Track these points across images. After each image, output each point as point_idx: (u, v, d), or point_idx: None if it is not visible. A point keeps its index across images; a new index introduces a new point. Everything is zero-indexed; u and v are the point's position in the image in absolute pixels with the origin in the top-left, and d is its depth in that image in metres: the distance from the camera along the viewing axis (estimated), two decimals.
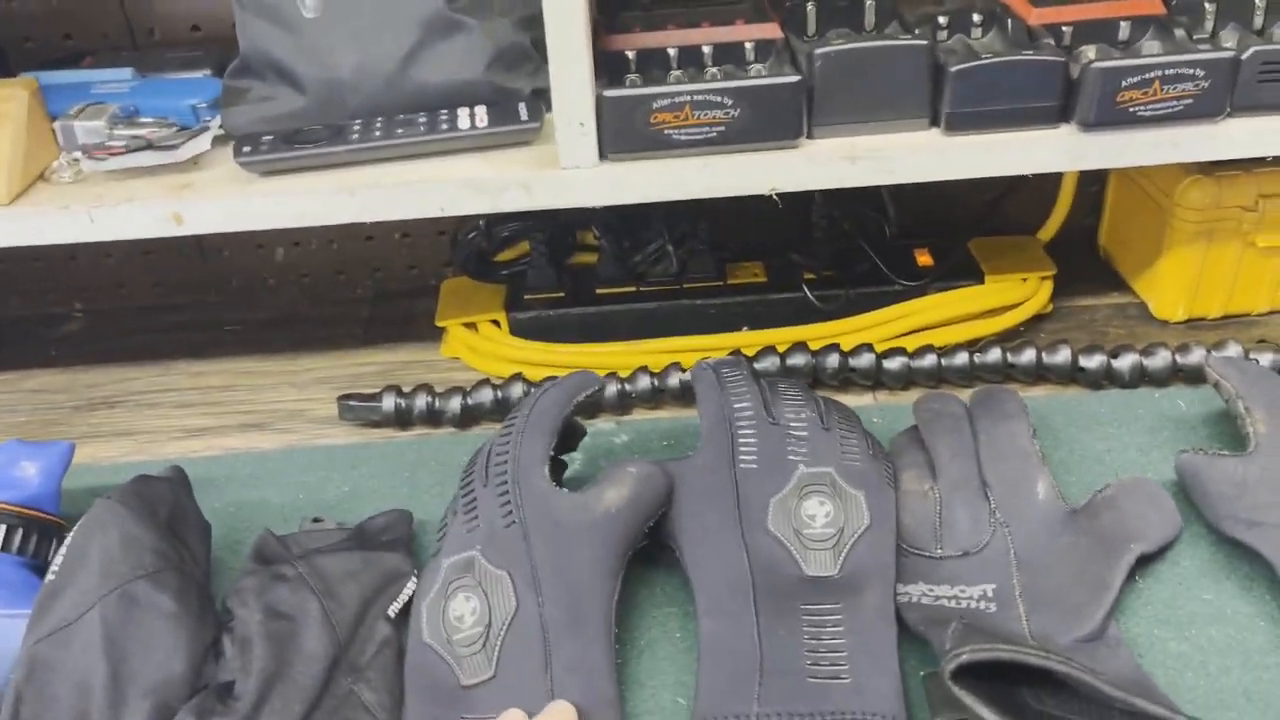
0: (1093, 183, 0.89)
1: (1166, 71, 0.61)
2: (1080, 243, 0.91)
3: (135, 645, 0.55)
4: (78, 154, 0.68)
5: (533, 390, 0.72)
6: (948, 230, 0.88)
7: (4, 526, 0.60)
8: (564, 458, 0.66)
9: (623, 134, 0.63)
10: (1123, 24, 0.67)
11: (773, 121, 0.63)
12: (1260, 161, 0.74)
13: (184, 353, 0.89)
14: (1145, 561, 0.60)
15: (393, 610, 0.59)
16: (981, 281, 0.82)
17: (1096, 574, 0.57)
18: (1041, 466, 0.63)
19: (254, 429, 0.79)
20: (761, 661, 0.52)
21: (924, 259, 0.84)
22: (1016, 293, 0.82)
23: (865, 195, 0.83)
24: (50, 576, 0.57)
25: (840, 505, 0.58)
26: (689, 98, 0.62)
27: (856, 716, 0.49)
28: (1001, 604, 0.57)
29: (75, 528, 0.58)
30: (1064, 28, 0.68)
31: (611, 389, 0.76)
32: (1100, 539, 0.59)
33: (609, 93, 0.62)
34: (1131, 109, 0.62)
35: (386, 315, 0.92)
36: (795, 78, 0.63)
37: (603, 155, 0.65)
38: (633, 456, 0.61)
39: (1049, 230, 0.86)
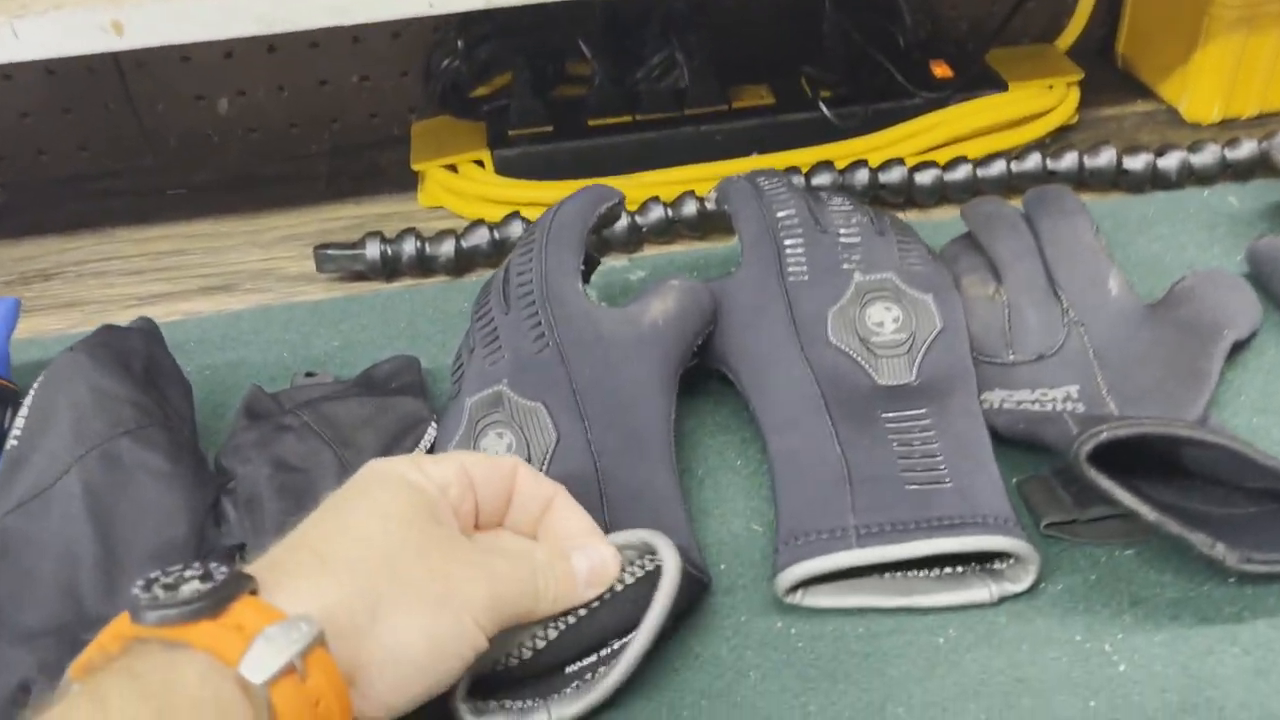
0: None
1: None
2: (1095, 53, 0.86)
3: (126, 508, 0.47)
4: None
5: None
6: (959, 44, 0.82)
7: None
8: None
9: None
10: None
11: None
12: None
13: (124, 220, 0.79)
14: (1231, 352, 0.55)
15: None
16: (1004, 89, 0.76)
17: (1190, 364, 0.53)
18: (1111, 262, 0.58)
19: (219, 291, 0.71)
20: (849, 471, 0.46)
21: (941, 70, 0.77)
22: (1043, 100, 0.76)
23: (877, 5, 0.77)
24: (11, 444, 0.49)
25: (908, 310, 0.52)
26: None
27: (966, 520, 0.44)
28: (1089, 403, 0.52)
29: (35, 386, 0.50)
30: None
31: (620, 223, 0.69)
32: (1188, 329, 0.54)
33: None
34: None
35: (349, 169, 0.83)
36: None
37: None
38: (674, 273, 0.54)
39: (1068, 38, 0.80)
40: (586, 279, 0.59)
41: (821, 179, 0.69)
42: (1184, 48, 0.76)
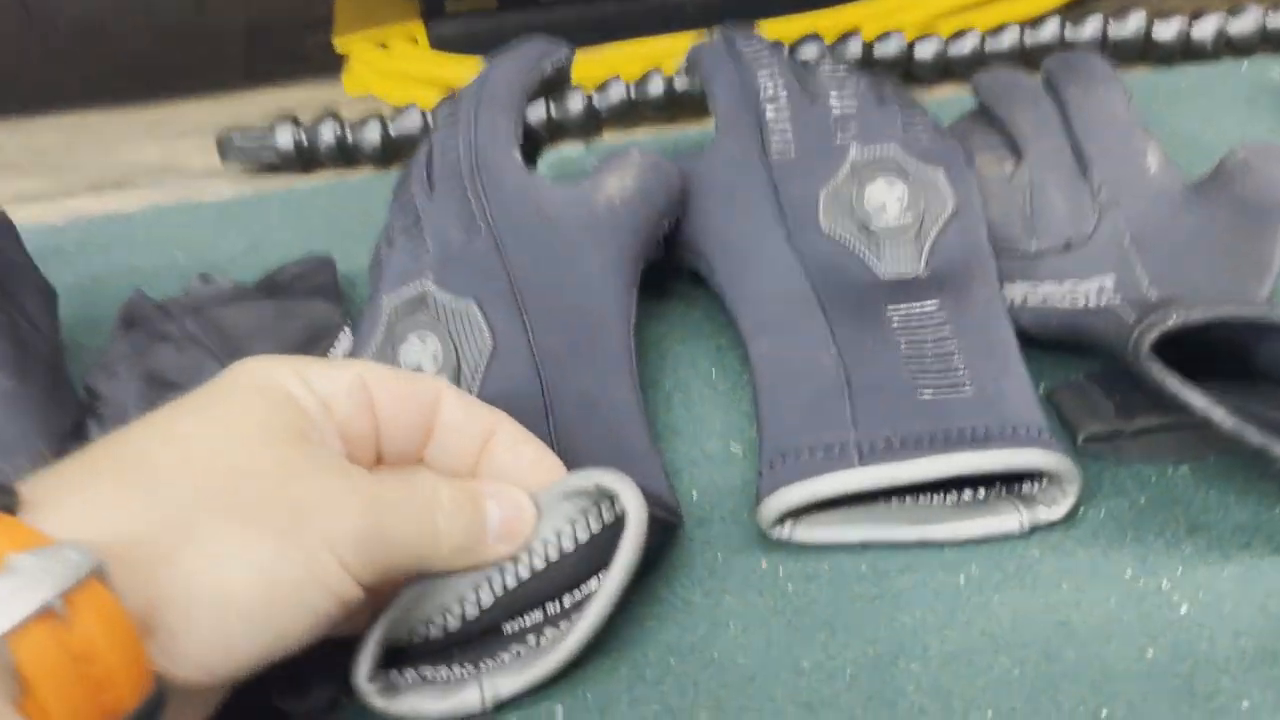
0: None
1: None
2: None
3: None
4: None
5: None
6: None
7: None
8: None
9: None
10: None
11: None
12: None
13: (4, 111, 0.68)
14: None
15: None
16: None
17: (1248, 249, 0.44)
18: (1148, 135, 0.49)
19: (110, 189, 0.61)
20: (848, 378, 0.38)
21: None
22: None
23: None
24: None
25: (915, 187, 0.44)
26: None
27: (991, 432, 0.36)
28: (1128, 297, 0.44)
29: None
30: None
31: (576, 104, 0.59)
32: (1242, 209, 0.46)
33: None
34: None
35: (266, 54, 0.73)
36: None
37: None
38: (632, 147, 0.45)
39: None
40: (530, 160, 0.50)
41: (808, 53, 0.60)
42: None
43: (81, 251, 0.55)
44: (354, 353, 0.42)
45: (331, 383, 0.31)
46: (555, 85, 0.46)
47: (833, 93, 0.47)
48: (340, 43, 0.66)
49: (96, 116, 0.67)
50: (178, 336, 0.42)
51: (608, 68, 0.63)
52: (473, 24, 0.65)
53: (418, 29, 0.65)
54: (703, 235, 0.45)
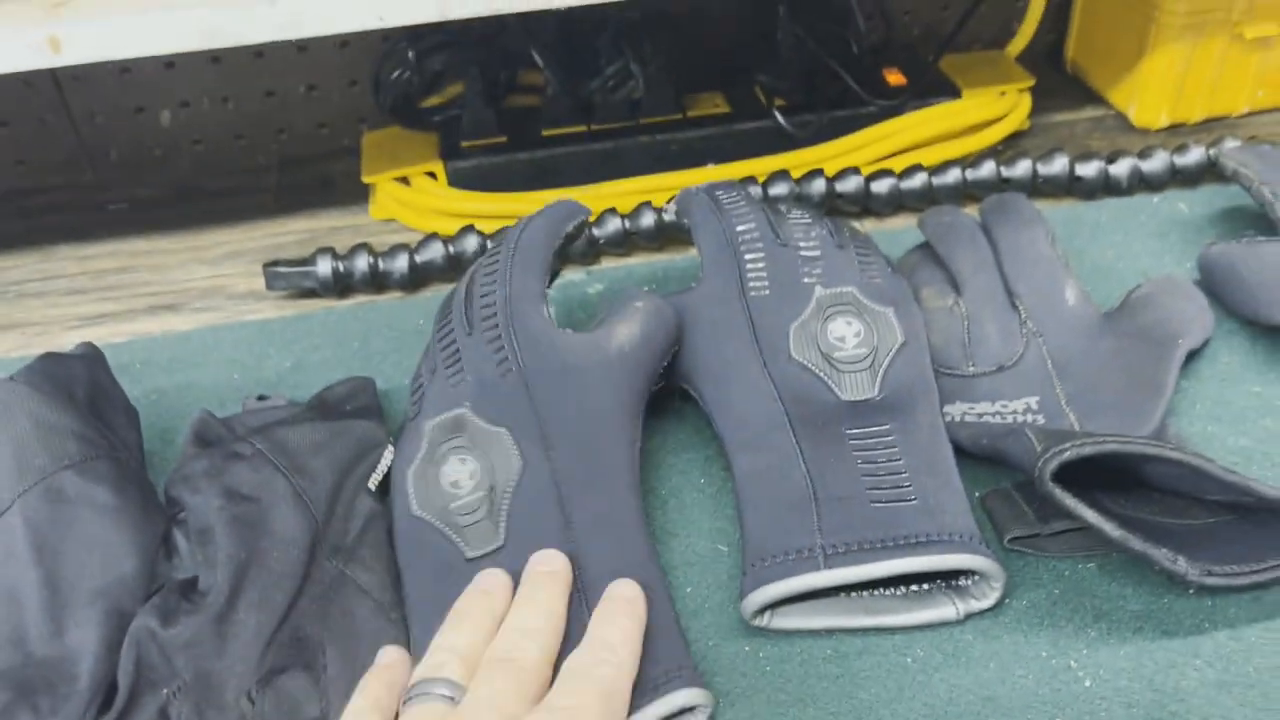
0: None
1: None
2: (1044, 59, 0.87)
3: (71, 546, 0.45)
4: None
5: (494, 238, 0.64)
6: (912, 51, 0.82)
7: None
8: None
9: None
10: None
11: None
12: None
13: (64, 237, 0.76)
14: (1185, 360, 0.56)
15: (373, 482, 0.50)
16: (958, 96, 0.76)
17: (1147, 374, 0.53)
18: (1068, 272, 0.58)
19: (165, 310, 0.69)
20: (814, 490, 0.46)
21: (895, 78, 0.77)
22: (996, 107, 0.76)
23: (830, 12, 0.77)
24: None
25: (870, 323, 0.52)
26: None
27: (933, 538, 0.44)
28: (1049, 415, 0.52)
29: None
30: None
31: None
32: (1144, 338, 0.55)
33: None
34: None
35: (298, 181, 0.81)
36: None
37: None
38: (636, 290, 0.53)
39: (1019, 44, 0.81)
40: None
41: (778, 189, 0.69)
42: (1131, 54, 0.76)
43: (146, 369, 0.63)
44: (398, 466, 0.50)
45: None
46: (575, 239, 0.55)
47: (800, 238, 0.56)
48: (368, 178, 0.75)
49: (147, 242, 0.75)
50: (249, 455, 0.50)
51: (604, 201, 0.71)
52: (485, 162, 0.73)
53: (437, 166, 0.74)
54: (692, 363, 0.53)
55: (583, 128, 0.75)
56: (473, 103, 0.74)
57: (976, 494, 0.50)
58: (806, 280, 0.54)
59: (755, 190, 0.69)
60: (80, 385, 0.51)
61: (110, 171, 0.83)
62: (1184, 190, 0.70)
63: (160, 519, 0.49)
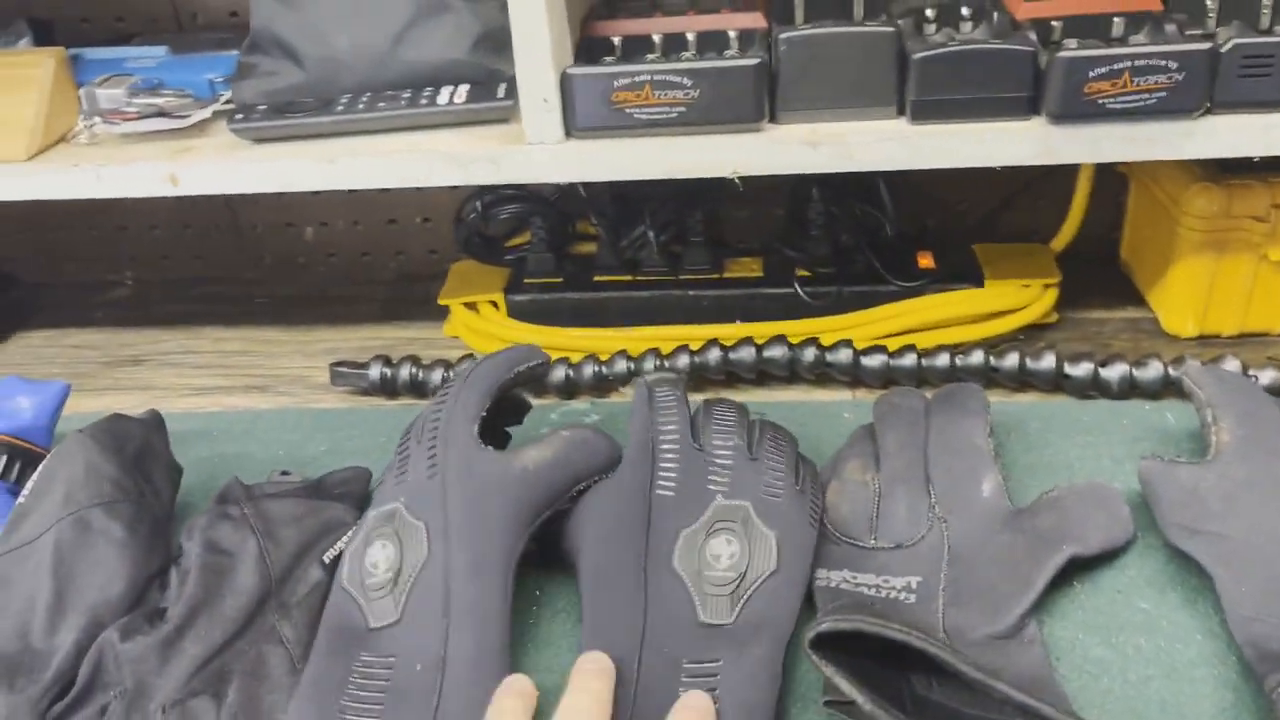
0: (1121, 192, 0.86)
1: (1136, 63, 0.59)
2: (1104, 255, 0.88)
3: (82, 567, 0.58)
4: (97, 119, 0.73)
5: (455, 368, 0.73)
6: (954, 234, 0.86)
7: None
8: (509, 430, 0.67)
9: (586, 112, 0.65)
10: (1116, 20, 0.65)
11: (733, 103, 0.64)
12: (1276, 168, 0.71)
13: (214, 320, 0.94)
14: (1087, 567, 0.57)
15: (327, 556, 0.60)
16: (980, 285, 0.80)
17: (1022, 572, 0.55)
18: (992, 464, 0.61)
19: (256, 390, 0.83)
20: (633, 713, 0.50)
21: (925, 261, 0.82)
22: (1016, 298, 0.79)
23: (866, 192, 0.83)
24: (21, 499, 0.61)
25: (747, 546, 0.55)
26: (649, 77, 0.63)
27: None
28: (922, 597, 0.55)
29: (48, 456, 0.62)
30: (1053, 23, 0.66)
31: (589, 370, 0.77)
32: (1036, 538, 0.57)
33: (571, 70, 0.64)
34: (1100, 101, 0.60)
35: (405, 295, 0.96)
36: (754, 60, 0.63)
37: (568, 133, 0.66)
38: (580, 422, 0.61)
39: (1062, 239, 0.83)
40: (518, 421, 0.68)
41: (773, 352, 0.76)
42: (1162, 260, 0.77)
43: (222, 437, 0.77)
44: (346, 547, 0.60)
45: None
46: (529, 379, 0.63)
47: (718, 445, 0.59)
48: (443, 300, 0.87)
49: (270, 332, 0.91)
50: (236, 517, 0.61)
51: (643, 343, 0.80)
52: (541, 299, 0.84)
53: (499, 297, 0.85)
54: (581, 546, 0.58)
55: (629, 277, 0.84)
56: (537, 247, 0.85)
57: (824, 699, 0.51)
58: (711, 487, 0.57)
59: (749, 351, 0.75)
60: (133, 442, 0.65)
61: (263, 272, 1.01)
62: (1178, 402, 0.70)
63: (163, 557, 0.61)
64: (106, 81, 0.75)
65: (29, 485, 0.62)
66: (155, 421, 0.68)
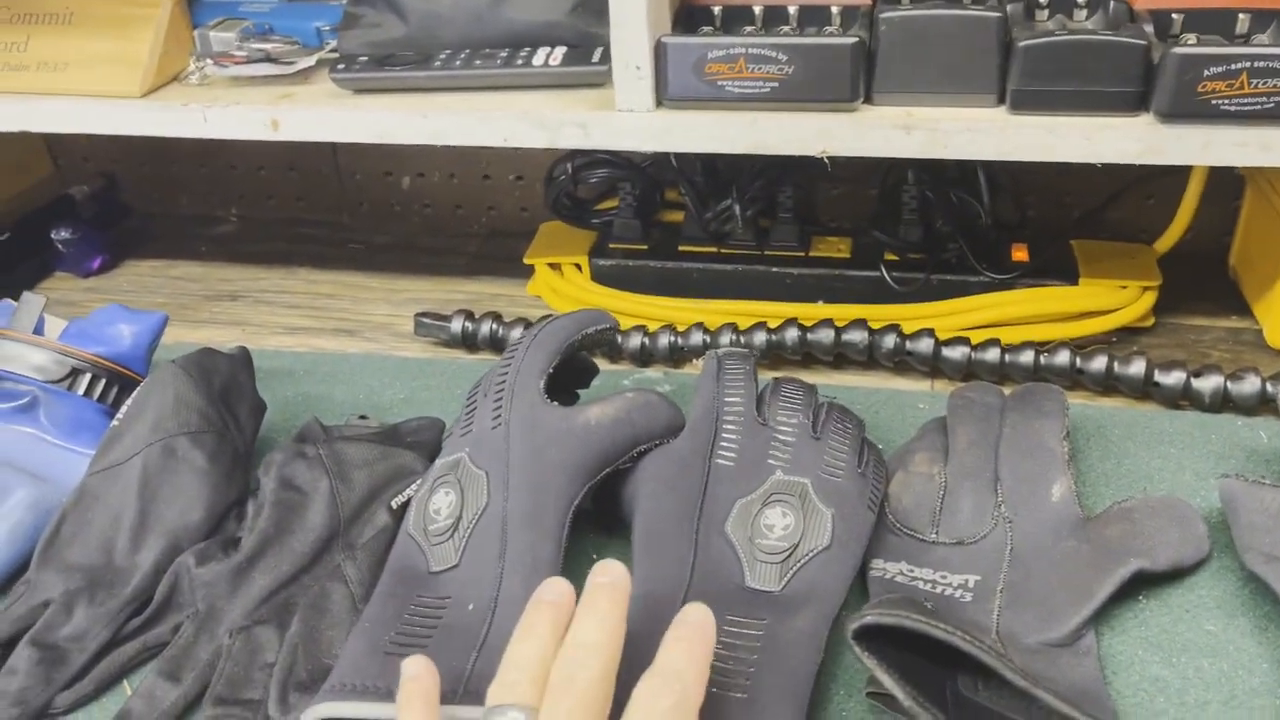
0: (1236, 195, 0.83)
1: (1256, 64, 0.56)
2: (1212, 260, 0.85)
3: (165, 491, 0.61)
4: (208, 60, 0.75)
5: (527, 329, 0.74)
6: (1056, 227, 0.84)
7: (92, 376, 0.68)
8: (578, 394, 0.68)
9: (678, 81, 0.64)
10: (1240, 16, 0.62)
11: (826, 82, 0.62)
12: None
13: (309, 261, 0.97)
14: (1156, 582, 0.56)
15: (395, 502, 0.62)
16: (1074, 282, 0.77)
17: (1085, 581, 0.54)
18: (1065, 469, 0.59)
19: (344, 334, 0.86)
20: None
21: (1019, 254, 0.80)
22: (1110, 299, 0.77)
23: (964, 178, 0.81)
24: (114, 423, 0.64)
25: (802, 520, 0.55)
26: (744, 50, 0.62)
27: None
28: (979, 596, 0.55)
29: (142, 383, 0.65)
30: (1173, 15, 0.63)
31: (664, 340, 0.77)
32: (1102, 547, 0.56)
33: (665, 39, 0.64)
34: (1214, 101, 0.57)
35: (493, 251, 0.97)
36: (851, 39, 0.62)
37: (658, 102, 0.66)
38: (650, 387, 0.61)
39: (1167, 240, 0.80)
40: (585, 384, 0.69)
41: (852, 336, 0.75)
42: (1274, 271, 0.74)
43: (307, 377, 0.79)
44: (414, 494, 0.62)
45: None
46: (596, 342, 0.64)
47: (782, 420, 0.59)
48: (528, 259, 0.88)
49: (360, 278, 0.94)
50: (311, 456, 0.64)
51: (725, 317, 0.80)
52: (624, 264, 0.85)
53: (584, 260, 0.86)
54: (637, 510, 0.58)
55: (714, 249, 0.84)
56: (624, 213, 0.85)
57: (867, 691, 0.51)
58: (771, 462, 0.58)
59: (827, 333, 0.74)
60: (220, 376, 0.67)
61: (360, 219, 1.03)
62: (1274, 420, 0.67)
63: (241, 488, 0.64)
64: (220, 25, 0.77)
65: (123, 409, 0.65)
66: (243, 358, 0.70)
